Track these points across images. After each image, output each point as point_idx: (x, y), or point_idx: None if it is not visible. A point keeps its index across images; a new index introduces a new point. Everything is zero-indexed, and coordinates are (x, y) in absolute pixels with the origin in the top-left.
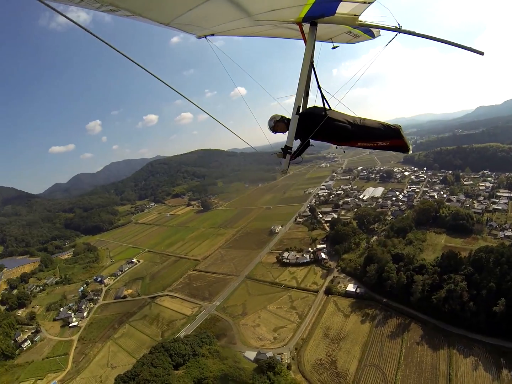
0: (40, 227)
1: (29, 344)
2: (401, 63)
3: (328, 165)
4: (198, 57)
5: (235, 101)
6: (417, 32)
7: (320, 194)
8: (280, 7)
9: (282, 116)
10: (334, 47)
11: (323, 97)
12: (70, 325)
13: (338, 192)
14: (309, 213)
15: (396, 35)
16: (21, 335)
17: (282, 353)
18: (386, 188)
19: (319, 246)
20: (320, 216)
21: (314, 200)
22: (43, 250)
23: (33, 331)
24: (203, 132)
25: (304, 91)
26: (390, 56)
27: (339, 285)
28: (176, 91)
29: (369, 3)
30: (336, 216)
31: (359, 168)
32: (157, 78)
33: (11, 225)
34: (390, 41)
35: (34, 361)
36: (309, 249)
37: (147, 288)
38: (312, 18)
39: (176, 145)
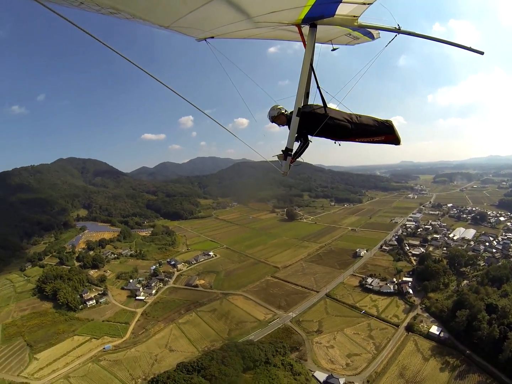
0: (124, 202)
1: (93, 303)
2: (504, 92)
3: (416, 196)
4: (292, 68)
5: None
6: (416, 32)
7: (407, 225)
8: (280, 8)
9: (285, 109)
10: (333, 49)
11: (322, 97)
12: (137, 297)
13: (426, 226)
14: (396, 243)
15: (396, 35)
16: (88, 293)
17: (354, 383)
18: (478, 231)
19: (404, 279)
20: (407, 248)
21: (400, 230)
22: (124, 223)
23: (100, 292)
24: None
25: (304, 93)
26: (492, 83)
27: (422, 324)
28: (191, 103)
29: (368, 4)
30: (424, 251)
31: (449, 205)
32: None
33: (98, 194)
34: (390, 41)
35: (94, 320)
36: (394, 279)
37: (221, 283)
38: (312, 20)
39: (263, 151)
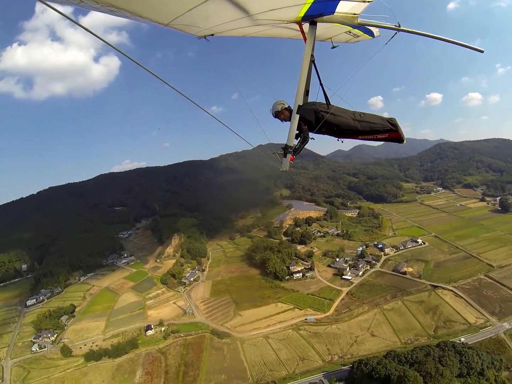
0: (326, 183)
1: (299, 276)
2: None
3: None
4: (485, 26)
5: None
6: (416, 30)
7: None
8: (279, 6)
9: (289, 105)
10: (333, 47)
11: (325, 94)
12: (343, 277)
13: None
14: None
15: (396, 33)
16: (295, 266)
17: None
18: None
19: None
20: None
21: None
22: (329, 203)
23: (307, 267)
24: (494, 118)
25: (304, 90)
26: None
27: None
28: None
29: (368, 1)
30: None
31: None
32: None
33: (300, 175)
34: (390, 39)
35: (299, 291)
36: None
37: (430, 274)
38: (312, 17)
39: (461, 129)
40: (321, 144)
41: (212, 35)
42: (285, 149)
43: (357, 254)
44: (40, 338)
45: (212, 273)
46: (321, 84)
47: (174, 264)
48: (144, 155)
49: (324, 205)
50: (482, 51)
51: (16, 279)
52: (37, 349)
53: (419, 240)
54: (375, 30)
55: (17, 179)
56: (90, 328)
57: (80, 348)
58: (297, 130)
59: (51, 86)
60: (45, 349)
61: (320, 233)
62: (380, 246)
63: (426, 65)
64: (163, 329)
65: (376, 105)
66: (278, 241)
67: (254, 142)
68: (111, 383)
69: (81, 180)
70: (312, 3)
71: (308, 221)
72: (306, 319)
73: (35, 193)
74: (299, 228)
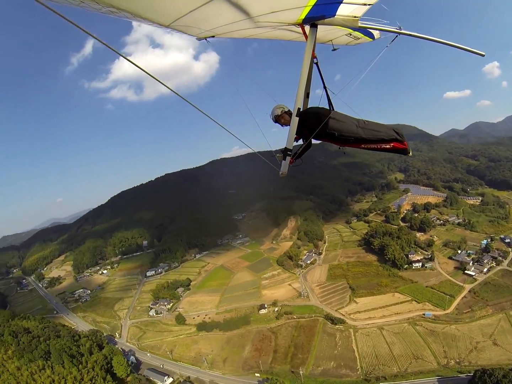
0: (442, 166)
1: (418, 266)
2: None
3: None
4: None
5: None
6: (416, 34)
7: None
8: (280, 9)
9: (289, 108)
10: (334, 49)
11: (328, 97)
12: (465, 271)
13: None
14: None
15: (396, 36)
16: (414, 255)
17: None
18: None
19: None
20: None
21: None
22: (447, 188)
23: (426, 257)
24: None
25: (304, 93)
26: None
27: None
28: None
29: (369, 4)
30: None
31: None
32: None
33: (414, 158)
34: (390, 42)
35: (418, 282)
36: None
37: None
38: (312, 20)
39: None
40: (432, 123)
41: (213, 36)
42: (284, 152)
43: (481, 247)
44: (157, 305)
45: (328, 257)
46: (324, 87)
47: (291, 246)
48: (251, 140)
49: (442, 190)
50: (483, 55)
51: (138, 253)
52: (154, 314)
53: None
54: (375, 33)
55: (138, 168)
56: (204, 302)
57: (193, 318)
58: (298, 135)
59: (159, 87)
60: (161, 315)
61: (440, 220)
62: (507, 240)
63: None
64: (276, 309)
65: (493, 73)
66: (397, 226)
67: None
68: (220, 353)
69: (194, 167)
70: (313, 5)
71: (427, 207)
72: (424, 314)
73: (153, 179)
74: (417, 214)
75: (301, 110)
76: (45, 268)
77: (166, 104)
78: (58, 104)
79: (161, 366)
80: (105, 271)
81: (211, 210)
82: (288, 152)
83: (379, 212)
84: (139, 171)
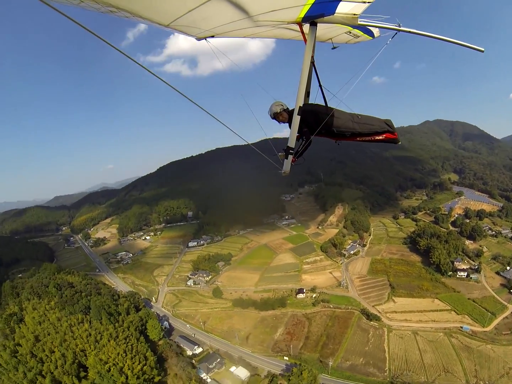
0: (502, 173)
1: (463, 275)
2: None
3: None
4: None
5: None
6: (416, 31)
7: None
8: (280, 7)
9: (287, 106)
10: (333, 48)
11: (323, 96)
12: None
13: None
14: None
15: (396, 33)
16: (460, 263)
17: None
18: None
19: None
20: None
21: None
22: (505, 198)
23: (473, 267)
24: None
25: (305, 92)
26: None
27: None
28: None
29: (368, 2)
30: None
31: None
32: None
33: (471, 160)
34: (390, 39)
35: (460, 293)
36: None
37: None
38: (312, 18)
39: None
40: (495, 124)
41: (213, 36)
42: (287, 150)
43: None
44: (196, 276)
45: (372, 250)
46: (320, 85)
47: (336, 234)
48: None
49: (499, 199)
50: (482, 51)
51: (182, 223)
52: (192, 284)
53: None
54: (375, 31)
55: (189, 142)
56: (243, 278)
57: (230, 293)
58: (298, 132)
59: (214, 63)
60: (199, 286)
61: (492, 231)
62: None
63: None
64: (314, 295)
65: None
66: (446, 230)
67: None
68: (252, 331)
69: (245, 143)
70: (313, 4)
71: (480, 214)
72: (461, 327)
73: (203, 152)
74: (469, 221)
75: (302, 108)
76: (92, 229)
77: (220, 80)
78: (114, 77)
79: (193, 335)
80: (148, 237)
81: (260, 188)
82: (290, 151)
83: (428, 212)
84: (190, 144)
